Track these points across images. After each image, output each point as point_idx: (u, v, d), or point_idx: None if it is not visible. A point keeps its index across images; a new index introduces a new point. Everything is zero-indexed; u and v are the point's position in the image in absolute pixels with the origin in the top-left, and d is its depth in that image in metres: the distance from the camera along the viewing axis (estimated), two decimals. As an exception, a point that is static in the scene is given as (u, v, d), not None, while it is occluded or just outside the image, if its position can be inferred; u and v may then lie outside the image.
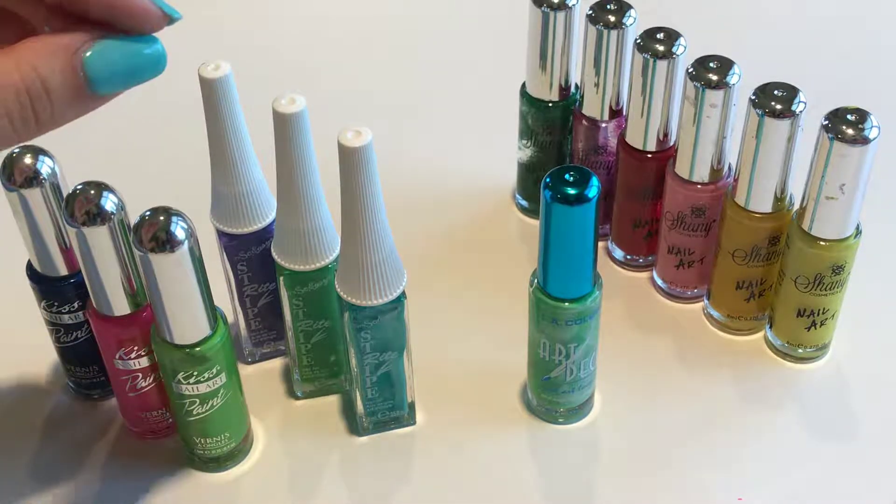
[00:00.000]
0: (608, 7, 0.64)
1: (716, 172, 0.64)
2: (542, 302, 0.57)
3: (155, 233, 0.50)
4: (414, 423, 0.63)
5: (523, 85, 0.70)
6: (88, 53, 0.37)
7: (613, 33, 0.64)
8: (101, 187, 0.53)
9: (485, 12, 0.93)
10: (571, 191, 0.52)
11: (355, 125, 0.50)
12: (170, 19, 0.41)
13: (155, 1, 0.41)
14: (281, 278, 0.58)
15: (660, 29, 0.63)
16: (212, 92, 0.54)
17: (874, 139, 0.55)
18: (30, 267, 0.59)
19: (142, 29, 0.40)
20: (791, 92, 0.58)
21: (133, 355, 0.57)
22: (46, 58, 0.37)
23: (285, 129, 0.52)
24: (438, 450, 0.62)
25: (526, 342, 0.61)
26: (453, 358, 0.66)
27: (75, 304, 0.59)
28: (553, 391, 0.61)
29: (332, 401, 0.64)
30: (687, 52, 0.62)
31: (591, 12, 0.64)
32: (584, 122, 0.69)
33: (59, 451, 0.62)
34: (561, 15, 0.65)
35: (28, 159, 0.54)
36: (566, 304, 0.56)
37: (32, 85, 0.36)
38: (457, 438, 0.62)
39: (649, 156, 0.66)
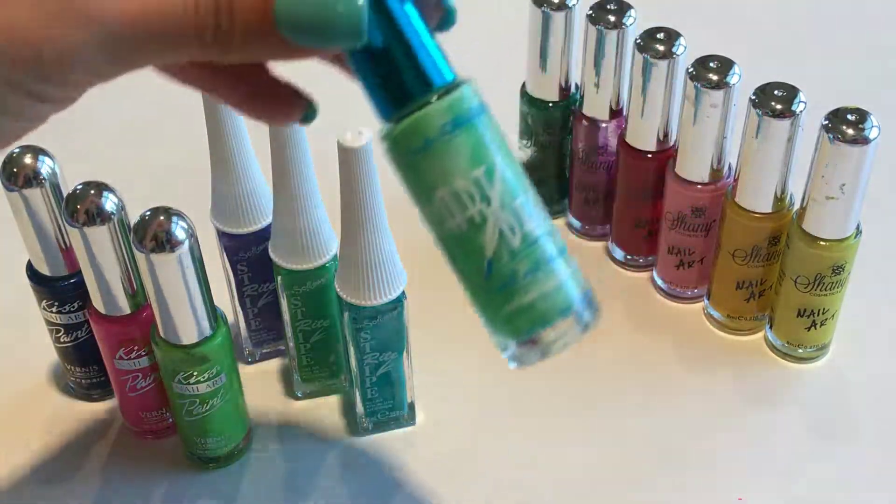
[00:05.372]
0: (608, 7, 0.64)
1: (716, 172, 0.64)
2: (404, 134, 0.37)
3: (155, 233, 0.50)
4: (414, 423, 0.63)
5: (523, 85, 0.70)
6: None
7: (613, 33, 0.64)
8: (101, 187, 0.53)
9: (485, 12, 0.93)
10: None
11: (355, 125, 0.50)
12: None
13: None
14: (279, 278, 0.58)
15: (660, 29, 0.63)
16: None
17: (874, 139, 0.55)
18: (30, 267, 0.59)
19: None
20: (791, 92, 0.58)
21: (133, 355, 0.57)
22: None
23: (279, 126, 0.52)
24: (438, 450, 0.62)
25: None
26: (453, 358, 0.66)
27: (75, 304, 0.59)
28: (511, 288, 0.37)
29: (332, 401, 0.64)
30: (687, 52, 0.62)
31: (591, 12, 0.64)
32: (584, 122, 0.69)
33: (59, 451, 0.62)
34: (561, 15, 0.65)
35: (28, 159, 0.54)
36: (433, 101, 0.36)
37: None
38: (457, 438, 0.62)
39: (649, 156, 0.66)
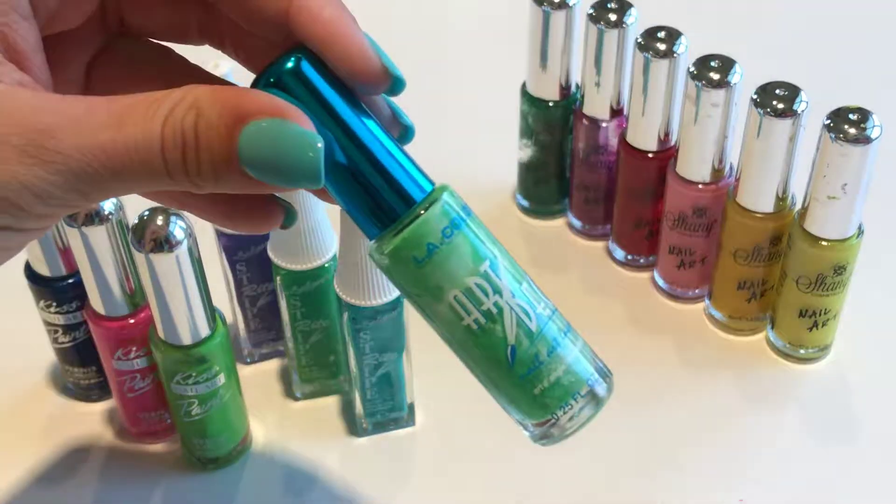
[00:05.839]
0: (609, 6, 0.64)
1: (717, 172, 0.63)
2: (405, 245, 0.37)
3: (154, 233, 0.50)
4: (413, 424, 0.63)
5: (524, 85, 0.70)
6: (251, 124, 0.32)
7: (614, 32, 0.64)
8: (99, 187, 0.53)
9: (485, 12, 0.93)
10: None
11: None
12: (392, 79, 0.36)
13: (378, 52, 0.36)
14: (278, 278, 0.58)
15: (661, 28, 0.62)
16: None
17: (876, 139, 0.55)
18: (28, 267, 0.59)
19: (355, 74, 0.35)
20: (793, 91, 0.58)
21: (131, 356, 0.57)
22: (211, 101, 0.32)
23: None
24: (438, 451, 0.62)
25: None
26: (453, 358, 0.66)
27: (73, 305, 0.59)
28: (537, 371, 0.38)
29: (331, 402, 0.64)
30: (688, 51, 0.62)
31: (591, 11, 0.64)
32: (584, 121, 0.68)
33: (58, 452, 0.62)
34: (561, 14, 0.65)
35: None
36: (425, 210, 0.37)
37: (188, 115, 0.32)
38: (457, 439, 0.62)
39: (650, 155, 0.66)
